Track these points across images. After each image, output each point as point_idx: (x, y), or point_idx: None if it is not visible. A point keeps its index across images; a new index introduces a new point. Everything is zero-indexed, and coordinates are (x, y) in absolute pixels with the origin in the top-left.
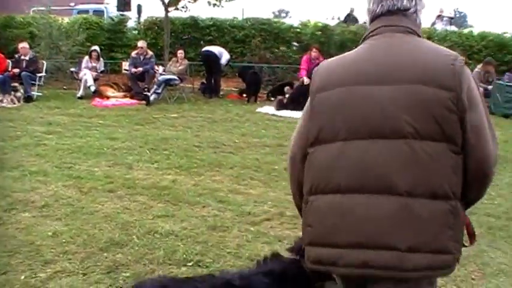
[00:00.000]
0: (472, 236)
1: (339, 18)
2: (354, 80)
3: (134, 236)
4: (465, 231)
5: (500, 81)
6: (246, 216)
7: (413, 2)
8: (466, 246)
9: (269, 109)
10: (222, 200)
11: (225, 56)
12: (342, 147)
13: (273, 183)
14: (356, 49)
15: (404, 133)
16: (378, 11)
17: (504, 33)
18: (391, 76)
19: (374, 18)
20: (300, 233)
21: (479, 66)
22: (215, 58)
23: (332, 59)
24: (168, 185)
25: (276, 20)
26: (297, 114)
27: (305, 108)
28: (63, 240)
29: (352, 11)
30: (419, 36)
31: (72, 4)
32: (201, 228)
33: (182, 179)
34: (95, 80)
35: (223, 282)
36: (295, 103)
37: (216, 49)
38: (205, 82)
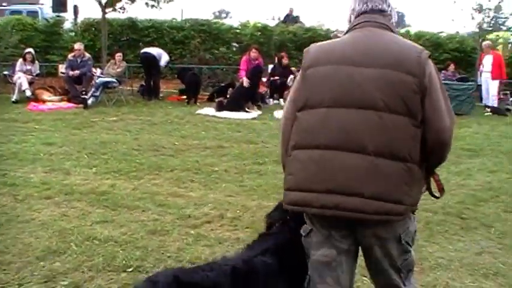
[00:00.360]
0: (441, 190)
1: (279, 19)
2: (339, 60)
3: (72, 244)
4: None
5: None
6: (186, 219)
7: (389, 7)
8: (437, 197)
9: (209, 110)
10: (161, 204)
11: (164, 58)
12: (326, 113)
13: (213, 185)
14: (342, 37)
15: (376, 106)
16: (362, 9)
17: (440, 32)
18: (369, 61)
19: (358, 14)
20: (242, 235)
21: None
22: (154, 60)
23: (321, 43)
24: (107, 190)
25: (215, 20)
26: (237, 115)
27: (295, 82)
28: None
29: (291, 11)
30: (393, 32)
31: (5, 4)
32: (141, 233)
33: (121, 184)
34: (30, 83)
35: (231, 269)
36: (235, 104)
37: (155, 51)
38: (144, 84)
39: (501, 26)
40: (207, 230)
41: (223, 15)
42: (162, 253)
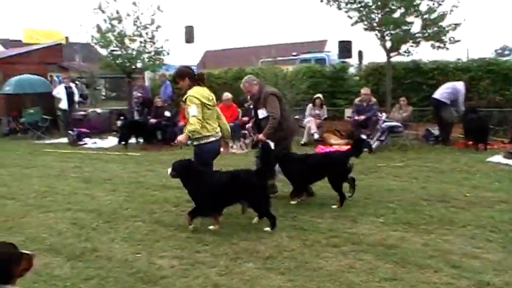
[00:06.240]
0: None
1: None
2: None
3: None
4: None
5: None
6: (485, 287)
7: None
8: None
9: (501, 158)
10: (455, 265)
11: (460, 95)
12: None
13: None
14: None
15: None
16: None
17: None
18: None
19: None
20: None
21: None
22: (442, 105)
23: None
24: (395, 244)
25: (505, 59)
26: None
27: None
28: None
29: None
30: None
31: (295, 54)
32: None
33: (410, 237)
34: (318, 127)
35: None
36: None
37: (445, 91)
38: (429, 129)
39: None
40: None
41: (506, 52)
42: None
